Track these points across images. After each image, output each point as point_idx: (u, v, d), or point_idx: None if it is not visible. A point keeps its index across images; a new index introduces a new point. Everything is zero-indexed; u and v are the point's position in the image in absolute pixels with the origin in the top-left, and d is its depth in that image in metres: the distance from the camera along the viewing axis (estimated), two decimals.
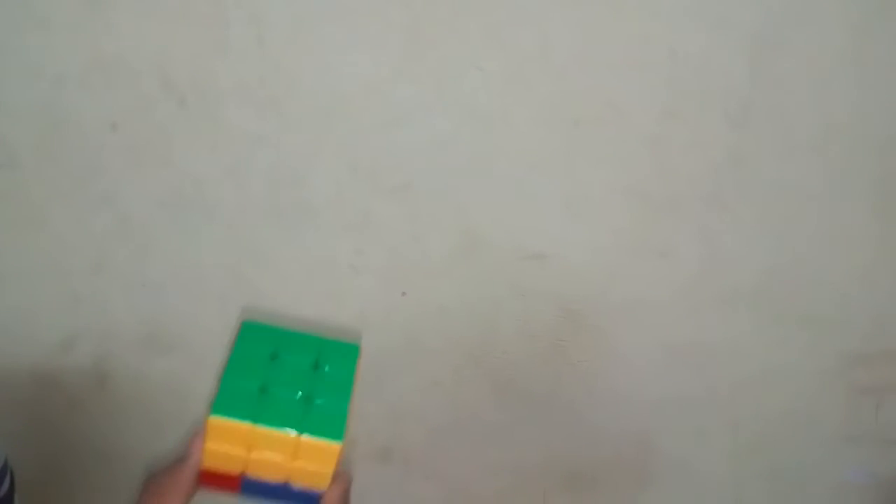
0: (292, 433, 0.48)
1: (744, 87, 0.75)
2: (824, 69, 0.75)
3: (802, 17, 0.73)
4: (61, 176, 0.76)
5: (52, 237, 0.79)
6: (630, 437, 0.87)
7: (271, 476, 0.49)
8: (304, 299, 0.82)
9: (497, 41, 0.73)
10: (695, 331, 0.83)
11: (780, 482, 0.90)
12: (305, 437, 0.48)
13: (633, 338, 0.84)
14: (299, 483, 0.49)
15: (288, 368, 0.50)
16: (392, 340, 0.83)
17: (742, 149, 0.77)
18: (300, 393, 0.49)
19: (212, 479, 0.50)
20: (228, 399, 0.49)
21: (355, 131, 0.77)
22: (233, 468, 0.50)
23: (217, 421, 0.48)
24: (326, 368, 0.51)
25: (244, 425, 0.48)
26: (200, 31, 0.72)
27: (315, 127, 0.76)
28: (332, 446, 0.48)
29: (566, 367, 0.84)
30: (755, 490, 0.90)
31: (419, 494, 0.86)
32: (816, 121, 0.76)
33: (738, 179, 0.78)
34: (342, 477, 0.52)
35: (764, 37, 0.74)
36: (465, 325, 0.82)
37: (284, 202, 0.79)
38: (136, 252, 0.80)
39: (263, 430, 0.48)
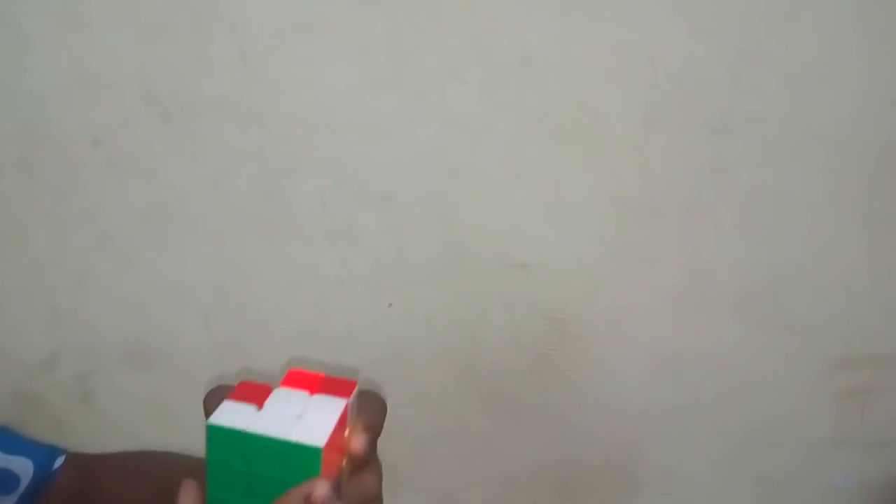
0: None
1: (724, 96, 0.76)
2: (804, 78, 0.76)
3: (781, 25, 0.74)
4: (43, 191, 0.76)
5: (33, 253, 0.78)
6: (618, 445, 0.87)
7: None
8: (289, 312, 0.82)
9: (478, 52, 0.74)
10: (680, 338, 0.84)
11: (767, 487, 0.90)
12: None
13: (618, 345, 0.84)
14: None
15: (259, 476, 0.49)
16: (378, 351, 0.83)
17: (723, 156, 0.78)
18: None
19: None
20: None
21: (338, 143, 0.77)
22: None
23: None
24: (293, 473, 0.50)
25: None
26: (182, 46, 0.72)
27: (298, 139, 0.76)
28: None
29: (553, 376, 0.84)
30: (742, 495, 0.90)
31: None
32: (796, 128, 0.77)
33: (719, 187, 0.79)
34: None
35: (743, 45, 0.75)
36: (452, 334, 0.82)
37: (268, 215, 0.79)
38: (119, 267, 0.79)
39: None
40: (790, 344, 0.84)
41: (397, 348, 0.83)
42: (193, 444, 0.84)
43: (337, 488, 0.46)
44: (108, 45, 0.72)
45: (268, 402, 0.47)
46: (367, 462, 0.49)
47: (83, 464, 0.70)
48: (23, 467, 0.65)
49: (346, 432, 0.49)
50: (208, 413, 0.48)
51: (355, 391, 0.50)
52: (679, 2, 0.73)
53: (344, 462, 0.49)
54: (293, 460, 0.47)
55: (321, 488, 0.44)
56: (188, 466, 0.46)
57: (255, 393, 0.48)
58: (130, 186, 0.77)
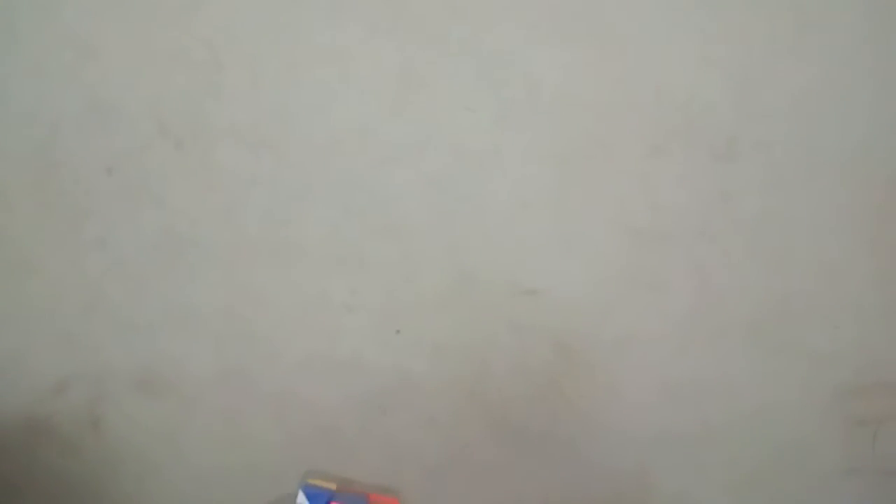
0: None
1: (730, 123, 0.76)
2: (810, 105, 0.76)
3: (787, 53, 0.75)
4: (55, 219, 0.77)
5: (45, 280, 0.79)
6: (628, 473, 0.87)
7: None
8: (298, 339, 0.82)
9: (486, 83, 0.75)
10: (690, 365, 0.83)
11: None
12: None
13: (628, 373, 0.84)
14: None
15: None
16: (387, 379, 0.83)
17: (731, 183, 0.78)
18: None
19: None
20: None
21: (348, 171, 0.77)
22: None
23: None
24: None
25: None
26: (195, 76, 0.74)
27: (308, 167, 0.77)
28: None
29: (562, 403, 0.84)
30: None
31: None
32: (803, 156, 0.77)
33: (728, 214, 0.79)
34: None
35: (749, 73, 0.75)
36: (460, 362, 0.83)
37: (278, 242, 0.79)
38: (130, 294, 0.80)
39: None
40: (801, 372, 0.84)
41: (405, 376, 0.83)
42: (200, 470, 0.84)
43: None
44: (121, 74, 0.73)
45: None
46: None
47: None
48: None
49: None
50: None
51: None
52: (686, 31, 0.74)
53: None
54: None
55: None
56: None
57: None
58: (142, 214, 0.78)
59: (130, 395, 0.82)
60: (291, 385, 0.83)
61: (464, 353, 0.82)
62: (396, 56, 0.74)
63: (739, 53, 0.75)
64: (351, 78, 0.75)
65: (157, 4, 0.74)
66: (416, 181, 0.78)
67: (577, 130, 0.77)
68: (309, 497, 0.52)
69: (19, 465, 0.83)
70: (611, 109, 0.76)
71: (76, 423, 0.83)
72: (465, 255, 0.80)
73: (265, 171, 0.77)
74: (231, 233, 0.79)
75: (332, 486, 0.55)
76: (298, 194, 0.78)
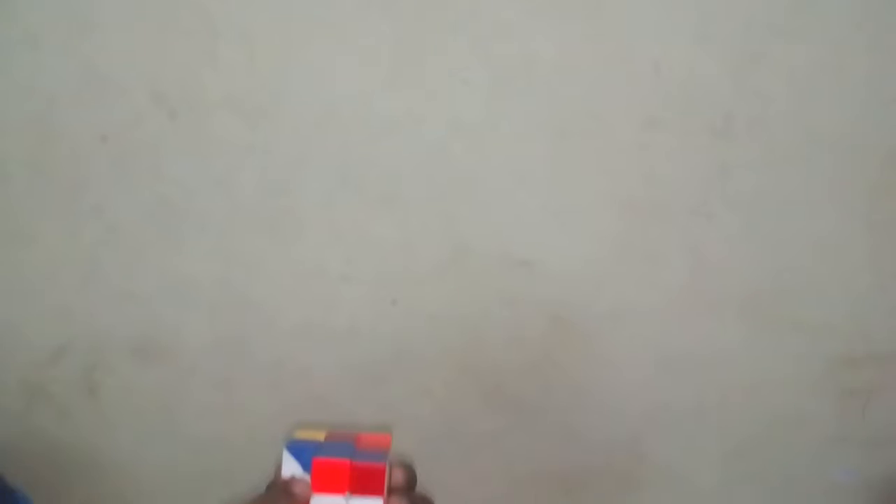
0: None
1: (728, 99, 0.76)
2: (807, 81, 0.76)
3: (785, 29, 0.75)
4: (51, 188, 0.77)
5: (42, 249, 0.79)
6: (620, 444, 0.88)
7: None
8: (293, 308, 0.82)
9: (483, 55, 0.74)
10: (684, 338, 0.84)
11: (770, 484, 0.91)
12: None
13: (621, 345, 0.84)
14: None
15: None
16: (382, 349, 0.83)
17: (727, 159, 0.78)
18: None
19: None
20: None
21: (345, 142, 0.77)
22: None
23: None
24: None
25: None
26: (190, 45, 0.73)
27: (304, 137, 0.77)
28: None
29: (556, 375, 0.85)
30: (745, 493, 0.91)
31: None
32: (800, 132, 0.77)
33: (724, 189, 0.79)
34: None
35: (747, 49, 0.75)
36: (455, 333, 0.83)
37: (274, 212, 0.79)
38: (126, 262, 0.80)
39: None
40: (794, 344, 0.85)
41: (401, 346, 0.83)
42: (195, 438, 0.85)
43: None
44: (117, 44, 0.73)
45: None
46: None
47: None
48: None
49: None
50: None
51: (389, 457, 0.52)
52: (684, 7, 0.73)
53: None
54: None
55: None
56: None
57: None
58: (137, 183, 0.78)
59: (126, 362, 0.83)
60: (287, 354, 0.83)
61: (459, 324, 0.83)
62: (393, 27, 0.73)
63: (737, 30, 0.74)
64: (348, 49, 0.74)
65: None
66: (412, 153, 0.77)
67: (574, 104, 0.76)
68: (293, 452, 0.51)
69: (16, 432, 0.84)
70: (608, 84, 0.75)
71: (73, 391, 0.84)
72: (461, 227, 0.80)
73: (261, 142, 0.77)
74: (226, 202, 0.79)
75: (321, 437, 0.54)
76: (294, 165, 0.78)
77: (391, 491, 0.51)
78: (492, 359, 0.84)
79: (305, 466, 0.50)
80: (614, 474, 0.89)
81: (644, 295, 0.82)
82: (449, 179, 0.78)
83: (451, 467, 0.86)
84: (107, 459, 0.86)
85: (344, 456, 0.50)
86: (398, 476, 0.52)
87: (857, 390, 0.87)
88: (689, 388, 0.86)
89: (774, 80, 0.75)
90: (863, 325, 0.85)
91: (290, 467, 0.50)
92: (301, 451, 0.51)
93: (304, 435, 0.53)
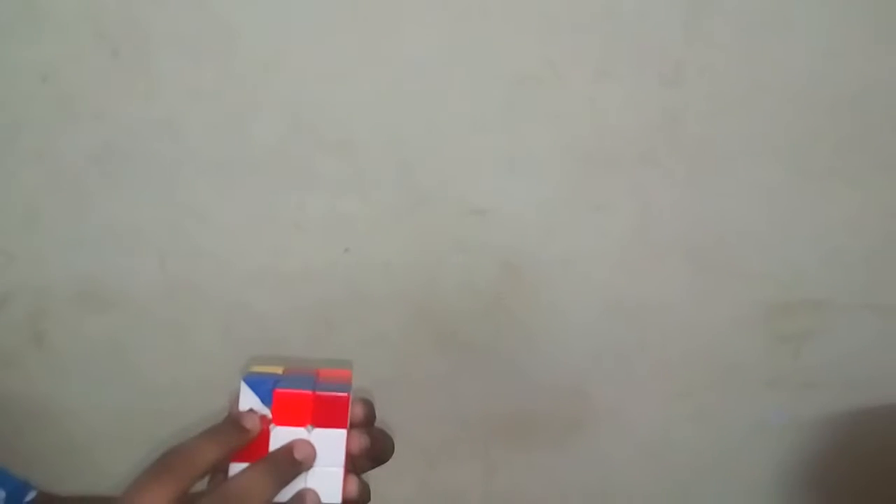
0: None
1: (677, 47, 0.77)
2: (754, 31, 0.77)
3: None
4: None
5: None
6: (567, 386, 0.90)
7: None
8: (245, 255, 0.81)
9: (439, 1, 0.73)
10: (629, 284, 0.86)
11: (706, 424, 0.94)
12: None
13: (570, 291, 0.86)
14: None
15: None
16: (336, 295, 0.83)
17: (675, 108, 0.79)
18: None
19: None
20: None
21: (297, 85, 0.76)
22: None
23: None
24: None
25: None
26: None
27: (255, 80, 0.75)
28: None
29: (507, 320, 0.86)
30: (683, 432, 0.94)
31: None
32: (744, 80, 0.79)
33: (671, 138, 0.80)
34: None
35: None
36: (409, 279, 0.84)
37: (224, 157, 0.78)
38: (70, 207, 0.78)
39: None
40: (733, 291, 0.87)
41: (354, 292, 0.83)
42: (147, 384, 0.84)
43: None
44: None
45: None
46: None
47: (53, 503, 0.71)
48: None
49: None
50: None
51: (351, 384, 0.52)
52: None
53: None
54: None
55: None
56: None
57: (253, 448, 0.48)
58: (81, 125, 0.75)
59: (74, 309, 0.81)
60: (239, 299, 0.83)
61: (412, 271, 0.83)
62: None
63: None
64: None
65: None
66: (366, 98, 0.77)
67: (528, 52, 0.76)
68: (251, 385, 0.50)
69: None
70: (562, 32, 0.75)
71: (19, 339, 0.82)
72: (415, 174, 0.80)
73: (208, 84, 0.75)
74: (174, 146, 0.77)
75: (279, 370, 0.53)
76: (244, 108, 0.76)
77: (352, 425, 0.52)
78: (445, 304, 0.85)
79: (265, 399, 0.49)
80: (561, 415, 0.92)
81: (592, 242, 0.84)
82: (404, 126, 0.78)
83: (405, 409, 0.87)
84: (57, 407, 0.85)
85: (306, 388, 0.50)
86: (358, 410, 0.53)
87: (791, 336, 0.90)
88: (633, 332, 0.89)
89: (723, 28, 0.76)
90: (798, 273, 0.87)
91: (248, 401, 0.50)
92: (259, 384, 0.50)
93: (261, 369, 0.53)
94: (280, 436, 0.49)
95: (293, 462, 0.48)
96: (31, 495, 0.71)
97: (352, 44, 0.75)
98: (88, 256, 0.80)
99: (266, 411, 0.49)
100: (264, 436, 0.49)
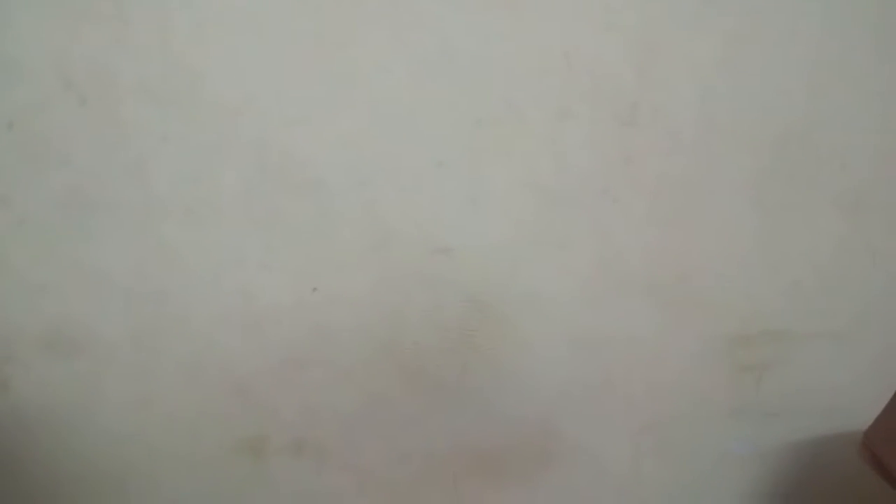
0: None
1: (632, 90, 0.80)
2: (704, 73, 0.80)
3: (685, 23, 0.79)
4: None
5: None
6: (534, 421, 0.91)
7: None
8: (212, 298, 0.81)
9: (402, 45, 0.75)
10: (593, 319, 0.88)
11: (672, 456, 0.95)
12: None
13: (536, 326, 0.87)
14: None
15: None
16: (303, 334, 0.83)
17: (632, 147, 0.82)
18: None
19: None
20: None
21: (263, 129, 0.77)
22: None
23: None
24: None
25: None
26: (102, 31, 0.71)
27: (220, 125, 0.76)
28: None
29: (474, 356, 0.87)
30: (649, 465, 0.95)
31: (334, 485, 0.87)
32: (698, 120, 0.82)
33: (629, 175, 0.83)
34: None
35: (650, 41, 0.79)
36: (376, 317, 0.84)
37: (190, 201, 0.78)
38: (35, 253, 0.78)
39: None
40: (694, 323, 0.89)
41: (321, 330, 0.84)
42: (114, 431, 0.83)
43: None
44: (25, 28, 0.70)
45: None
46: None
47: None
48: None
49: None
50: None
51: None
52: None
53: None
54: None
55: None
56: None
57: None
58: (47, 172, 0.75)
59: (40, 356, 0.80)
60: (206, 343, 0.82)
61: (380, 309, 0.84)
62: (311, 15, 0.73)
63: (642, 22, 0.78)
64: (264, 35, 0.74)
65: None
66: (332, 140, 0.78)
67: (490, 94, 0.78)
68: None
69: None
70: (523, 74, 0.78)
71: None
72: (381, 213, 0.81)
73: (175, 129, 0.76)
74: (140, 191, 0.77)
75: None
76: (210, 152, 0.77)
77: None
78: (412, 340, 0.86)
79: None
80: (530, 451, 0.92)
81: (556, 278, 0.85)
82: (369, 166, 0.79)
83: (374, 448, 0.87)
84: (23, 454, 0.83)
85: None
86: None
87: (752, 366, 0.92)
88: (598, 366, 0.90)
89: (675, 71, 0.80)
90: (756, 304, 0.90)
91: None
92: None
93: None
94: None
95: None
96: None
97: (317, 87, 0.76)
98: (54, 302, 0.79)
99: None
100: None
